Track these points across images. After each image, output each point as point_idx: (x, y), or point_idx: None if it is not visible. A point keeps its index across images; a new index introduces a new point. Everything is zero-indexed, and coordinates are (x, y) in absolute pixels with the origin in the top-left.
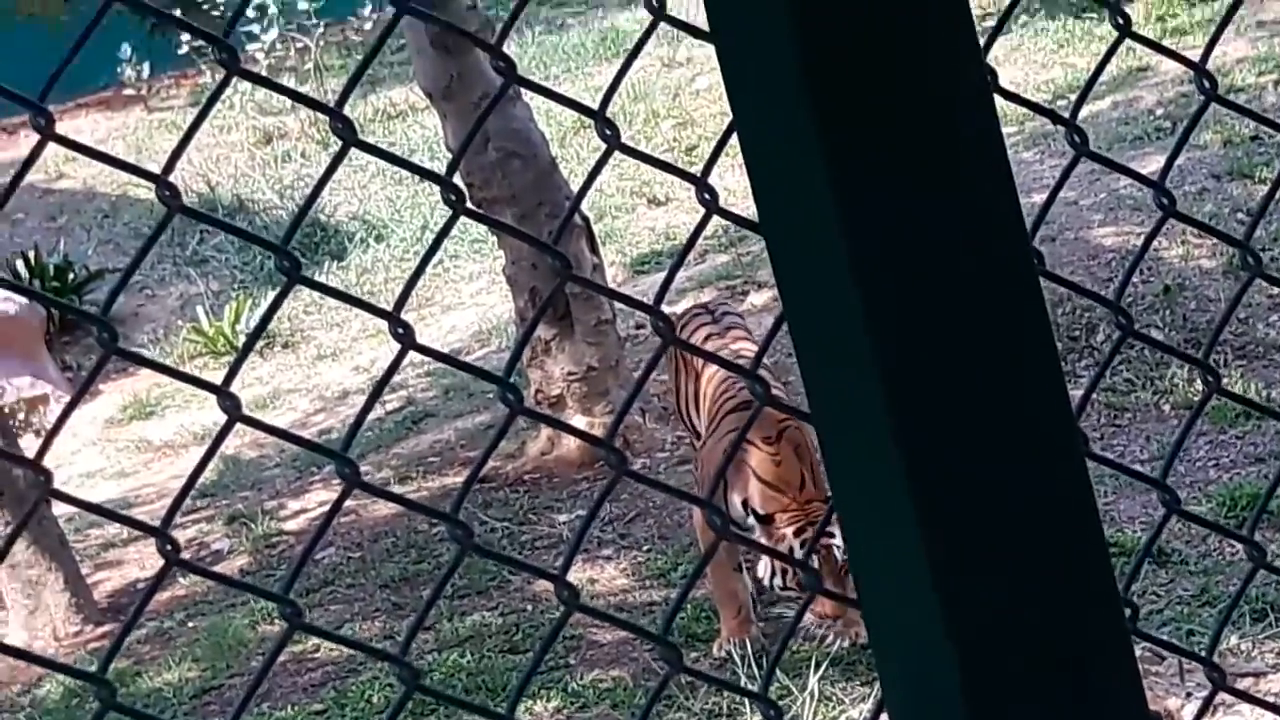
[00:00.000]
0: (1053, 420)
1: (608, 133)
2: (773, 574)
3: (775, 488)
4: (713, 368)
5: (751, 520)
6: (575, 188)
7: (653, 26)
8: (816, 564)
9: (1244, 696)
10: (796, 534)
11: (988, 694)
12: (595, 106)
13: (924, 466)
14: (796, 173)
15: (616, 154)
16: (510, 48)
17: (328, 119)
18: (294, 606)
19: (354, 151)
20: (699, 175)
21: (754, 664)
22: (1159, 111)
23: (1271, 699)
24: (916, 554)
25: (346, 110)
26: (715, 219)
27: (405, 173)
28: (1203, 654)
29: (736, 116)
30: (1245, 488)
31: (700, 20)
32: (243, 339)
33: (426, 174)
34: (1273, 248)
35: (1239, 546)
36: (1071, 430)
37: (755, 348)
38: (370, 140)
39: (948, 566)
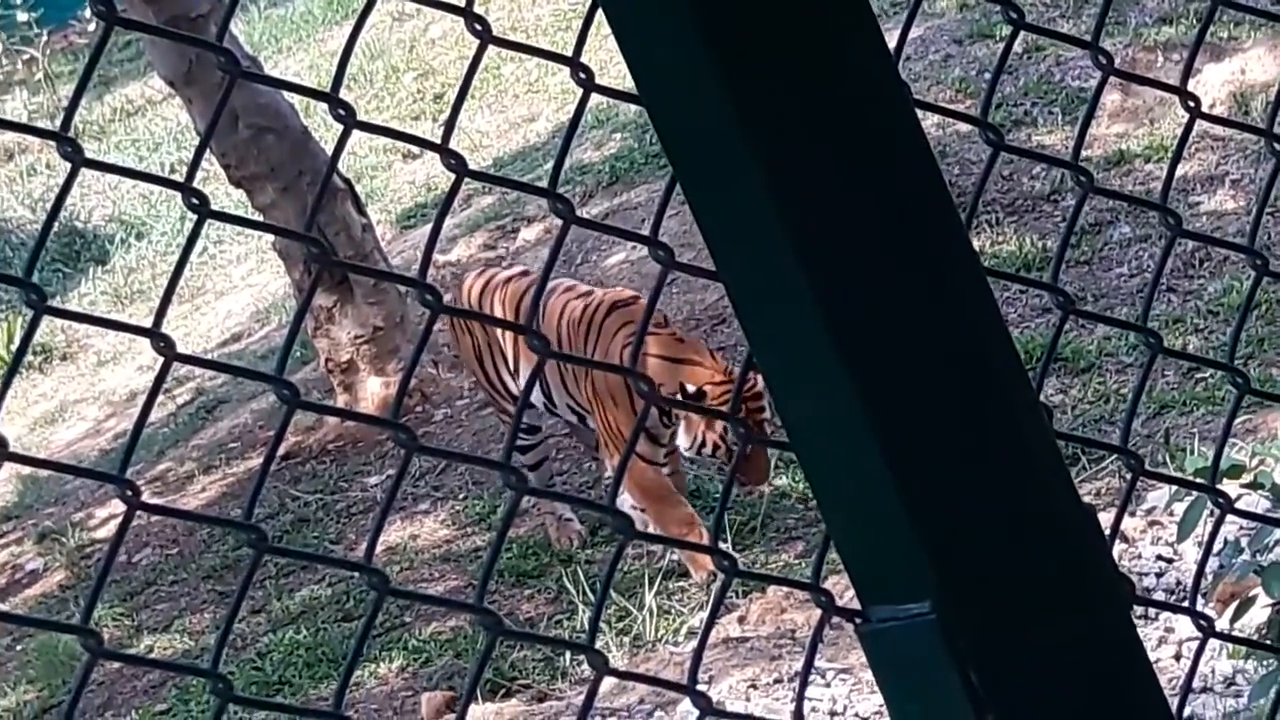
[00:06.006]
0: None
1: (342, 113)
2: (700, 444)
3: (690, 361)
4: (560, 307)
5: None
6: (330, 152)
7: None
8: (749, 447)
9: (1160, 478)
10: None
11: (927, 502)
12: (332, 74)
13: (835, 300)
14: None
15: (367, 113)
16: (237, 26)
17: (67, 128)
18: (95, 636)
19: (103, 150)
20: (439, 143)
21: (587, 591)
22: None
23: None
24: (839, 380)
25: (82, 116)
26: (476, 167)
27: (156, 168)
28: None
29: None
30: (1036, 339)
31: None
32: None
33: (167, 182)
34: (1024, 102)
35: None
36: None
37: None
38: (114, 139)
39: (876, 393)
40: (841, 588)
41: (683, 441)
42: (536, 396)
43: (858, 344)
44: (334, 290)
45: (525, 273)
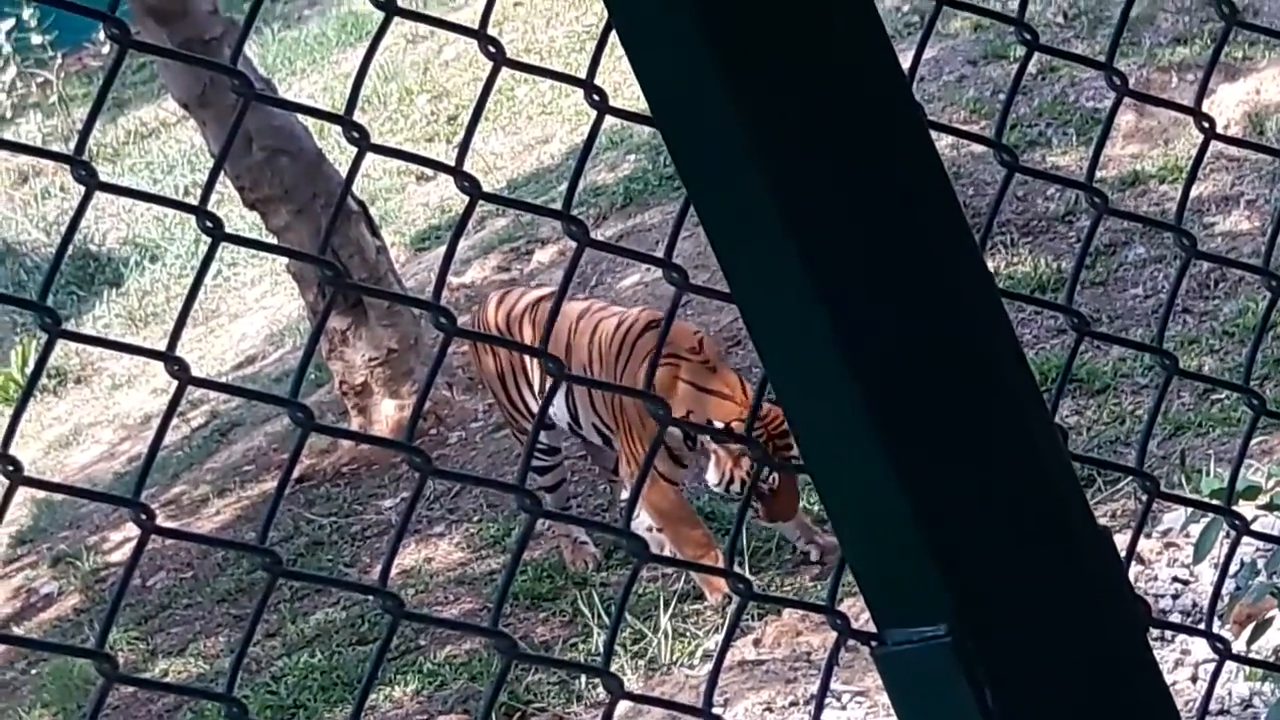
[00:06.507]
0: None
1: (355, 136)
2: (729, 481)
3: (721, 394)
4: (593, 326)
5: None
6: (344, 174)
7: (386, 23)
8: (776, 482)
9: (1176, 499)
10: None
11: (942, 524)
12: (346, 96)
13: (848, 321)
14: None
15: (381, 135)
16: (251, 49)
17: (81, 152)
18: (110, 660)
19: (117, 173)
20: (453, 165)
21: (602, 613)
22: (905, 8)
23: None
24: (853, 402)
25: (96, 138)
26: (490, 189)
27: (170, 190)
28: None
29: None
30: (1051, 360)
31: None
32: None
33: (181, 205)
34: (1038, 123)
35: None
36: (977, 259)
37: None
38: (127, 162)
39: (890, 416)
40: (857, 610)
41: (711, 478)
42: (561, 416)
43: (872, 366)
44: (348, 313)
45: (571, 298)
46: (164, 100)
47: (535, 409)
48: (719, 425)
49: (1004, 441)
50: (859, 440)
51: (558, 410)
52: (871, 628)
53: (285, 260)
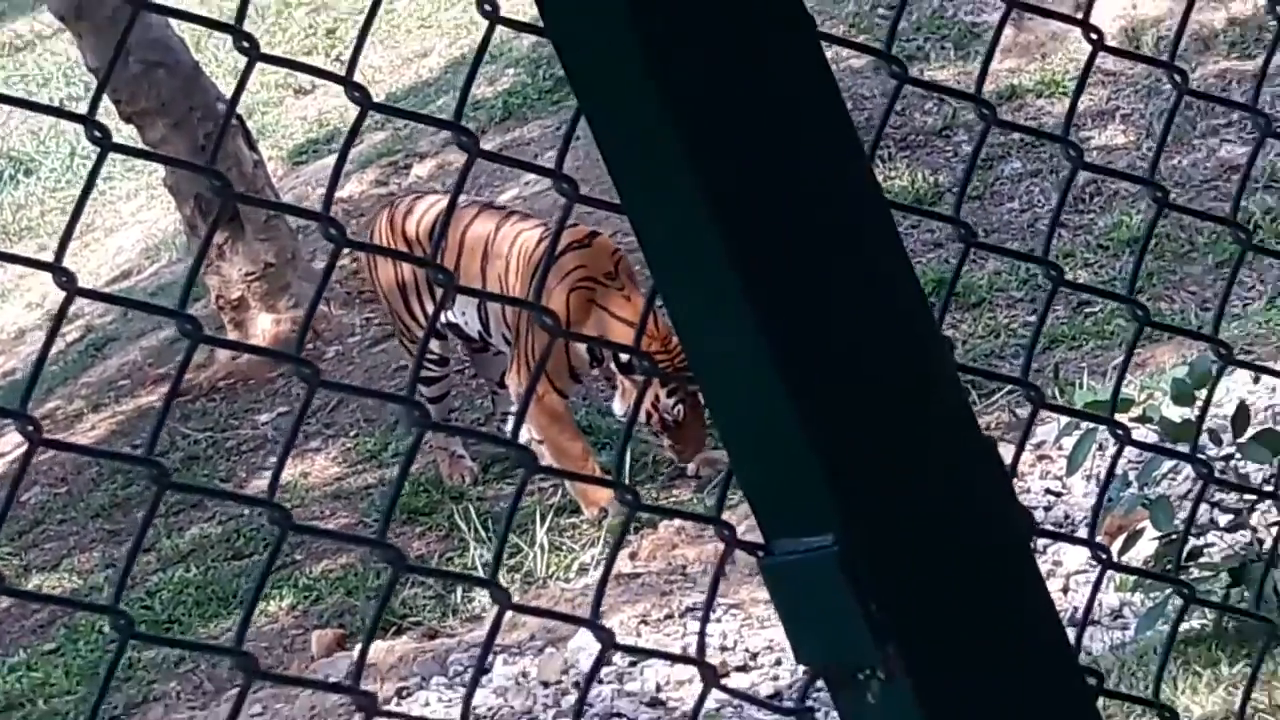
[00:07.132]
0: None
1: (245, 45)
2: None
3: (630, 323)
4: (514, 235)
5: (613, 367)
6: (221, 88)
7: None
8: (681, 414)
9: (1060, 410)
10: (663, 383)
11: (829, 433)
12: (222, 7)
13: (739, 230)
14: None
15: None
16: None
17: None
18: None
19: None
20: (344, 75)
21: (479, 528)
22: None
23: None
24: (741, 311)
25: None
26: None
27: (47, 104)
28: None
29: None
30: (929, 273)
31: None
32: None
33: (69, 115)
34: (916, 37)
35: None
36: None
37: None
38: (1, 74)
39: (779, 324)
40: (738, 518)
41: (618, 408)
42: (473, 325)
43: (761, 274)
44: (225, 227)
45: (489, 205)
46: (40, 12)
47: (442, 319)
48: (624, 359)
49: (894, 351)
50: (747, 349)
51: (469, 319)
52: (757, 538)
53: (161, 174)
